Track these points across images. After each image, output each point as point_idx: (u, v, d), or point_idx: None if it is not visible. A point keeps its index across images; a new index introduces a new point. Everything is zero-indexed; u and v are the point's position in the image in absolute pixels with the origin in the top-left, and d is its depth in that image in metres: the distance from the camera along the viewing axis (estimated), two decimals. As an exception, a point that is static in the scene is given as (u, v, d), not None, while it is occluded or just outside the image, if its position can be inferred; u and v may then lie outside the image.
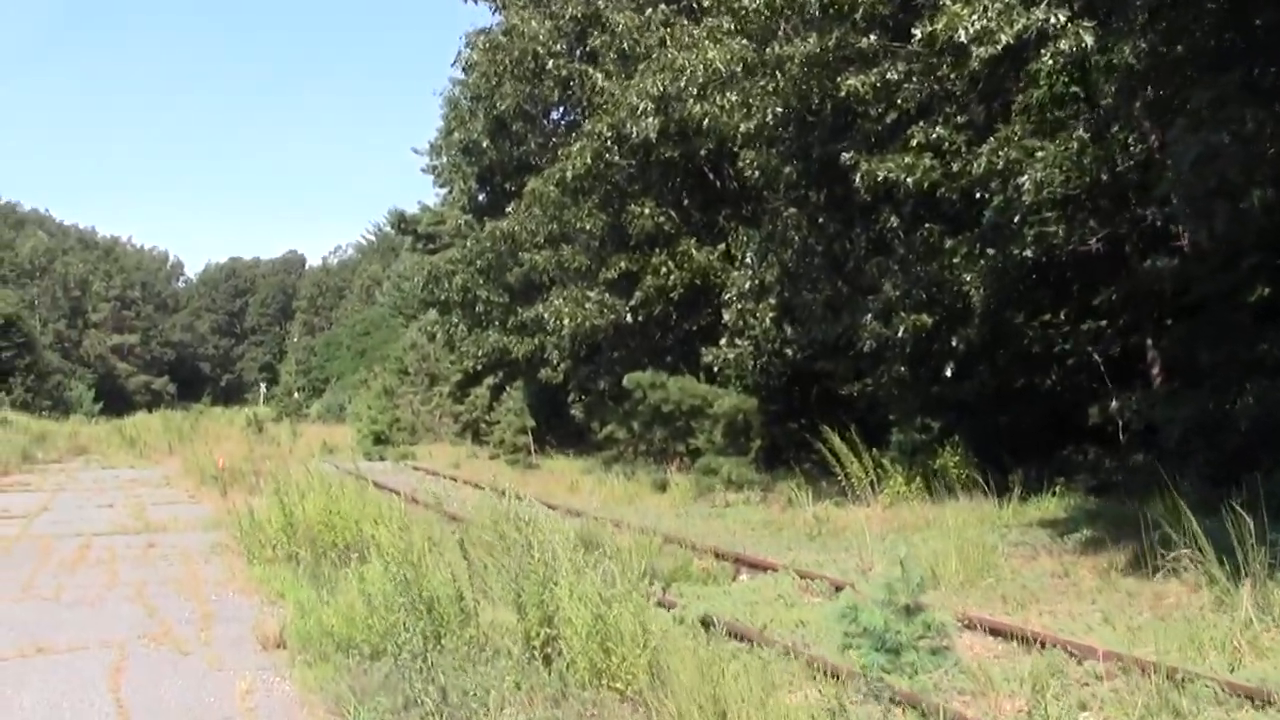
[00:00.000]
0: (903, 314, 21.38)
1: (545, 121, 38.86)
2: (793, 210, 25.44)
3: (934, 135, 19.50)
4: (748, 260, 26.47)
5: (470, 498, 26.93)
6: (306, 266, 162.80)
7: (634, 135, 29.14)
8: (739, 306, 26.75)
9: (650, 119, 28.87)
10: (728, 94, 22.93)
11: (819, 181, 25.18)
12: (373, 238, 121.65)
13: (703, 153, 30.03)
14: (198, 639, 11.35)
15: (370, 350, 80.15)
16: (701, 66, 23.29)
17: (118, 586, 14.70)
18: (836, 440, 22.59)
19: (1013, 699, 8.99)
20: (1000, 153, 17.83)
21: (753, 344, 27.28)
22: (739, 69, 22.49)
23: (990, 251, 20.14)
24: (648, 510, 24.30)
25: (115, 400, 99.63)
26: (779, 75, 21.47)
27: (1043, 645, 10.37)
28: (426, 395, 54.21)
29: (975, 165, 18.29)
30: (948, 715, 7.84)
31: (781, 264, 26.14)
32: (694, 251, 29.81)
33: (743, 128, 22.45)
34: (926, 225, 21.82)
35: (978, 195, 19.27)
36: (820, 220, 25.02)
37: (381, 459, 41.85)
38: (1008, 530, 17.45)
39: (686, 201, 31.77)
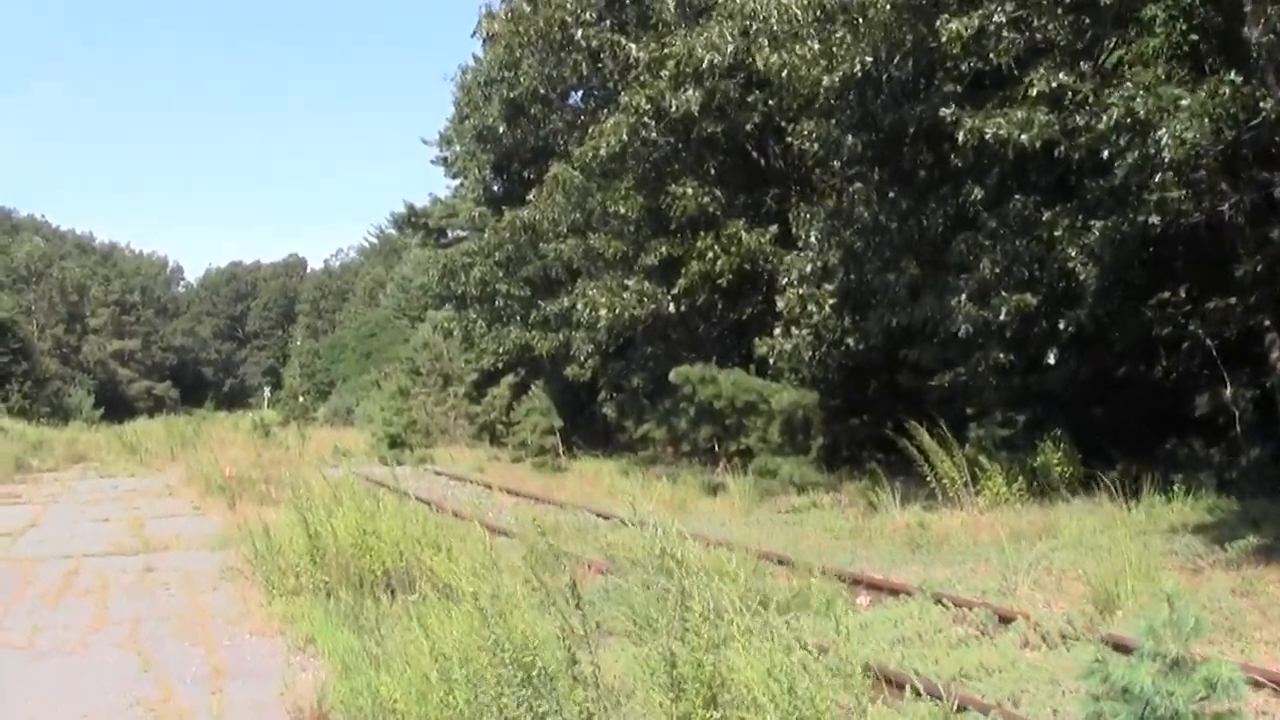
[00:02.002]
0: (1003, 294, 18.88)
1: (566, 103, 36.26)
2: (858, 185, 22.87)
3: (1054, 84, 16.86)
4: (812, 240, 23.77)
5: (506, 505, 24.52)
6: (308, 269, 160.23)
7: (673, 109, 26.61)
8: (799, 292, 24.13)
9: (692, 90, 26.35)
10: (808, 43, 20.14)
11: (885, 152, 22.73)
12: (375, 239, 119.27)
13: (748, 128, 27.45)
14: (208, 710, 8.71)
15: (376, 352, 77.80)
16: (776, 12, 20.53)
17: (107, 626, 12.08)
18: (925, 436, 20.06)
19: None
20: (1135, 101, 15.19)
21: (812, 333, 24.70)
22: (817, 14, 19.77)
23: (1095, 223, 17.61)
24: (707, 517, 21.89)
25: (116, 406, 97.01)
26: (861, 22, 18.82)
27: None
28: (440, 396, 51.57)
29: (1106, 118, 15.69)
30: None
31: (845, 245, 23.55)
32: (743, 234, 27.14)
33: (825, 81, 19.70)
34: (1017, 196, 19.29)
35: (1105, 154, 16.61)
36: (891, 195, 22.45)
37: (399, 463, 39.18)
38: (1145, 537, 14.88)
39: (729, 181, 29.09)
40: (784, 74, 20.54)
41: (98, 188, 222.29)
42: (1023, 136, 16.90)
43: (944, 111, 18.21)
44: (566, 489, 28.73)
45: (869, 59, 19.24)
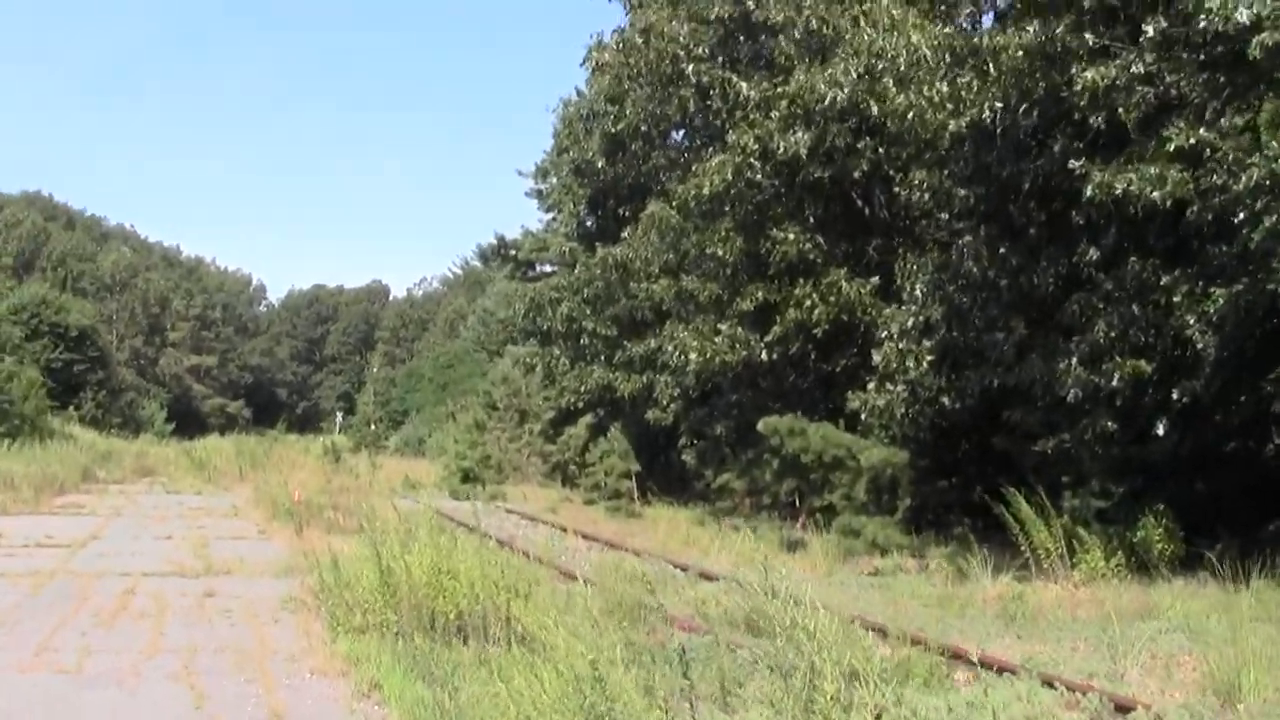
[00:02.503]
0: (1117, 359, 17.77)
1: (667, 140, 35.50)
2: (967, 239, 21.82)
3: (1193, 140, 15.77)
4: (917, 293, 22.70)
5: (580, 549, 23.59)
6: (390, 297, 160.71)
7: (781, 151, 25.73)
8: (899, 346, 23.08)
9: (801, 133, 25.47)
10: (937, 84, 19.12)
11: (996, 207, 21.72)
12: (459, 271, 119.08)
13: (856, 175, 26.47)
14: (261, 762, 7.79)
15: (453, 384, 77.21)
16: (904, 52, 19.54)
17: (160, 654, 11.20)
18: (1023, 504, 19.02)
19: None
20: (1278, 163, 14.10)
21: (908, 389, 23.64)
22: (945, 58, 18.77)
23: (1217, 290, 16.50)
24: (786, 575, 20.68)
25: (188, 422, 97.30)
26: (991, 68, 17.82)
27: None
28: (515, 432, 50.70)
29: (1245, 178, 14.60)
30: None
31: (948, 300, 22.50)
32: (844, 283, 26.09)
33: (951, 126, 18.68)
34: (1133, 258, 18.21)
35: (1239, 216, 15.51)
36: (1001, 250, 21.40)
37: (469, 499, 38.27)
38: (1259, 625, 13.69)
39: (831, 229, 28.10)
40: (909, 116, 19.45)
41: (189, 201, 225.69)
42: (1155, 193, 15.87)
43: (1072, 164, 17.18)
44: (641, 536, 27.75)
45: (999, 105, 18.19)
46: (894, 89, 20.15)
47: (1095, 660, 12.57)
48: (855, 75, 21.98)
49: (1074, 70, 16.52)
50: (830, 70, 23.53)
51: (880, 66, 20.55)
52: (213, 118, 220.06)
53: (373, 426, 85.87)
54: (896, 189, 26.42)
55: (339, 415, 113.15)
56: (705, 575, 19.70)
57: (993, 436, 24.37)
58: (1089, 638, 13.73)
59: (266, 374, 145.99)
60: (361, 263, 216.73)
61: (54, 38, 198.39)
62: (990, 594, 17.66)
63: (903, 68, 19.72)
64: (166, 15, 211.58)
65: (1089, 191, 16.73)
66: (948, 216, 24.96)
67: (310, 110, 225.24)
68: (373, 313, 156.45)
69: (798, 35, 26.16)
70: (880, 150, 26.18)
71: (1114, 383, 17.82)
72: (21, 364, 56.26)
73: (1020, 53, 17.14)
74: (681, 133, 36.02)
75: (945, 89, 18.87)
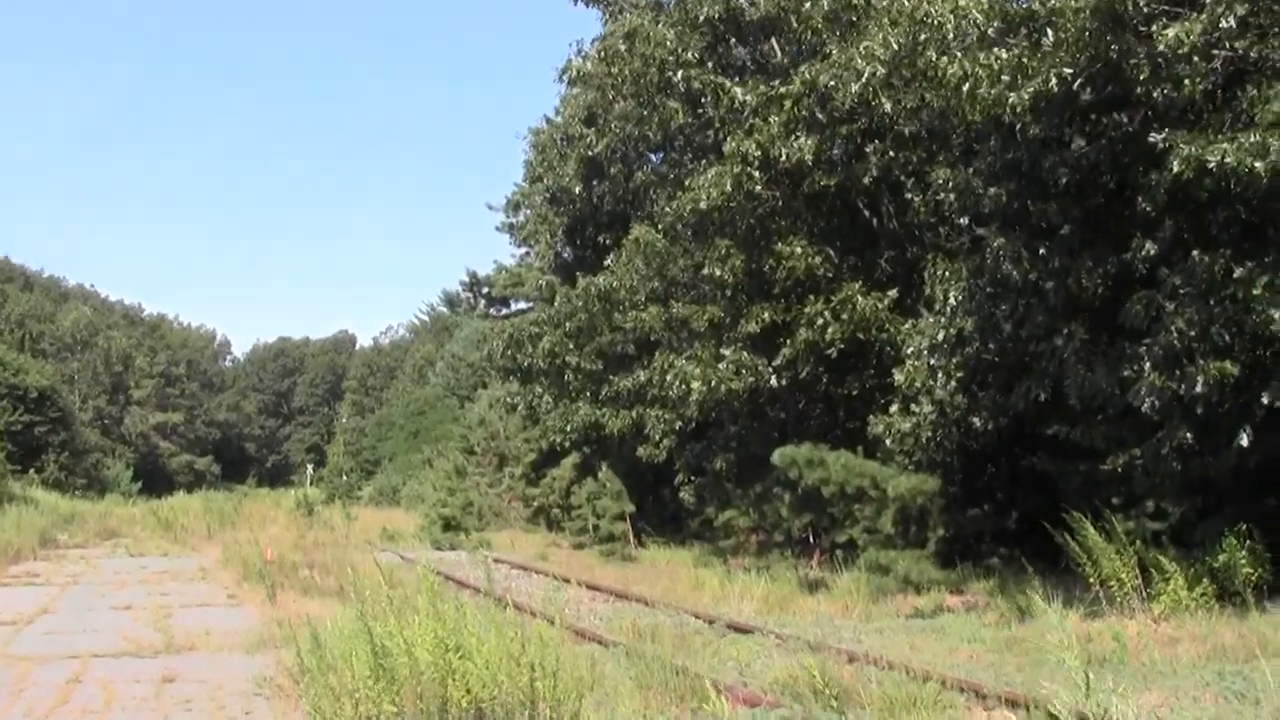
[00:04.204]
0: (1199, 362, 15.68)
1: (653, 158, 33.55)
2: (1000, 241, 19.75)
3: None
4: (951, 301, 20.58)
5: (583, 601, 21.47)
6: (357, 346, 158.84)
7: (783, 158, 23.74)
8: (929, 362, 21.04)
9: (804, 138, 23.50)
10: (996, 51, 16.89)
11: (1027, 204, 19.73)
12: (426, 317, 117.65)
13: (866, 180, 24.44)
14: None
15: (424, 430, 75.41)
16: (952, 18, 17.36)
17: (102, 769, 8.93)
18: (1089, 529, 16.93)
19: None
20: None
21: (936, 410, 21.61)
22: (995, 24, 16.63)
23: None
24: (818, 620, 18.82)
25: (156, 480, 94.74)
26: (1050, 34, 15.78)
27: None
28: (495, 477, 48.56)
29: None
30: None
31: (980, 309, 20.45)
32: (859, 298, 23.96)
33: (1012, 98, 16.44)
34: (1195, 251, 16.18)
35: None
36: (1041, 251, 19.35)
37: (452, 548, 36.03)
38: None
39: (838, 242, 26.05)
40: (963, 89, 17.17)
41: (148, 260, 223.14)
42: (1257, 164, 13.75)
43: (1154, 137, 15.09)
44: (644, 582, 25.59)
45: (1067, 71, 16.06)
46: (943, 60, 17.90)
47: (1232, 712, 10.56)
48: (896, 45, 19.83)
49: (1154, 29, 14.47)
50: (866, 43, 21.43)
51: (923, 37, 18.36)
52: (172, 173, 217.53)
53: (345, 477, 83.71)
54: (908, 195, 24.51)
55: (309, 467, 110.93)
56: (735, 627, 17.55)
57: (1025, 457, 22.47)
58: (1207, 683, 11.74)
59: (234, 429, 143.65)
60: (327, 313, 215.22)
61: (9, 104, 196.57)
62: (1062, 634, 15.57)
63: (950, 35, 17.56)
64: (126, 76, 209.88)
65: (1175, 166, 14.64)
66: (967, 221, 23.05)
67: (270, 163, 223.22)
68: (340, 363, 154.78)
69: (826, 6, 23.97)
70: (890, 154, 24.25)
71: (1197, 389, 15.72)
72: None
73: (1088, 11, 15.04)
74: (660, 155, 34.16)
75: (1004, 55, 16.61)
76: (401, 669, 9.25)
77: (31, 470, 64.65)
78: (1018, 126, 18.66)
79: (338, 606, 17.93)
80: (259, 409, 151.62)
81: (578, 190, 37.00)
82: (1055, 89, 16.08)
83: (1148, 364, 16.30)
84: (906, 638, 16.97)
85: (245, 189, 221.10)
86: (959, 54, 17.07)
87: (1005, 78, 16.41)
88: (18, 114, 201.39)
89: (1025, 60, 16.17)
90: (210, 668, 13.50)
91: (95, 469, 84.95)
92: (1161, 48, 14.27)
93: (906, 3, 18.74)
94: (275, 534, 34.68)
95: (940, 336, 20.90)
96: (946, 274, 21.00)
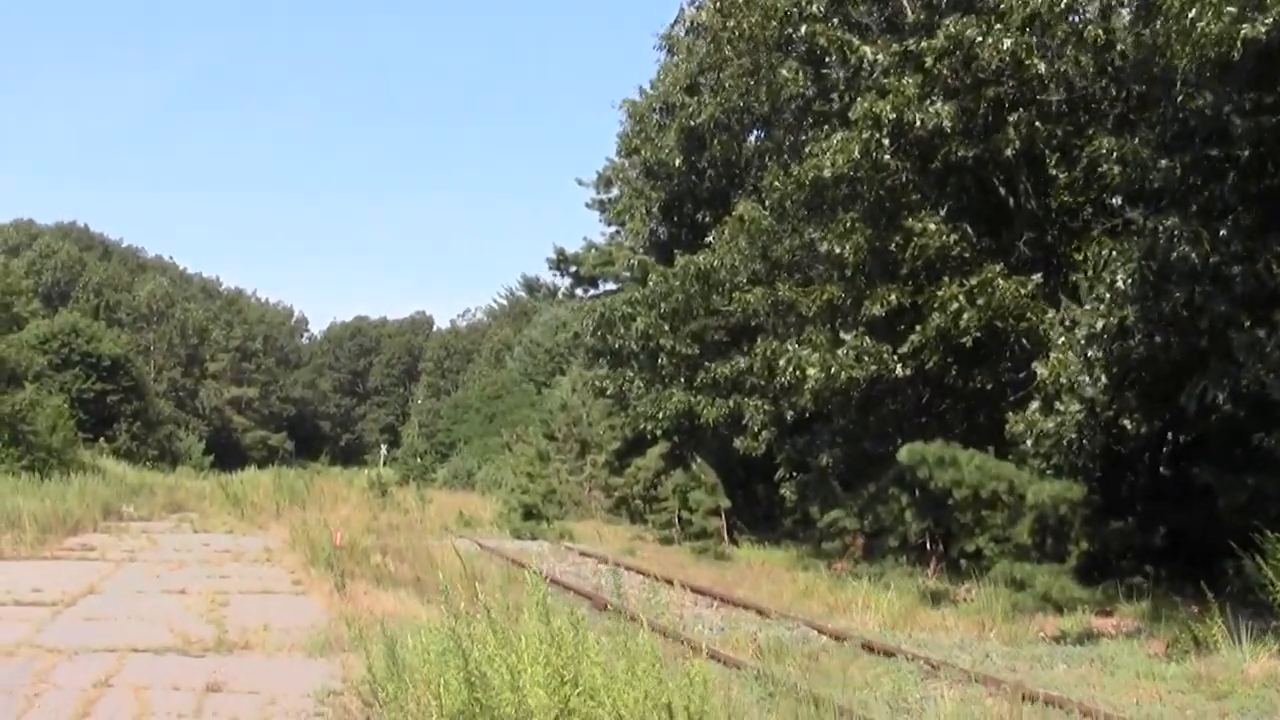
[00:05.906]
0: None
1: (763, 128, 31.36)
2: (1173, 220, 17.34)
3: None
4: (1118, 287, 18.09)
5: (686, 605, 19.32)
6: (434, 328, 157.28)
7: (918, 125, 21.43)
8: (1086, 354, 18.66)
9: (942, 104, 21.20)
10: None
11: (1202, 180, 17.39)
12: (504, 301, 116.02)
13: (1009, 153, 22.01)
14: None
15: (500, 415, 73.64)
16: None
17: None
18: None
19: None
20: None
21: (1086, 409, 19.25)
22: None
23: None
24: (957, 641, 16.58)
25: (229, 454, 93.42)
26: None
27: None
28: (576, 465, 46.45)
29: None
30: None
31: (1147, 296, 18.05)
32: (1000, 281, 21.48)
33: (1245, 30, 13.94)
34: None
35: None
36: (1222, 233, 16.97)
37: (533, 537, 33.96)
38: None
39: (972, 219, 23.60)
40: (1185, 19, 14.61)
41: (229, 234, 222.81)
42: None
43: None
44: (745, 584, 23.54)
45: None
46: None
47: None
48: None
49: None
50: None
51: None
52: (253, 149, 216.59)
53: (419, 459, 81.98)
54: (1052, 171, 22.12)
55: (383, 448, 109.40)
56: (870, 646, 15.28)
57: (1175, 465, 20.18)
58: None
59: (309, 406, 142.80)
60: (404, 294, 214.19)
61: (94, 79, 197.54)
62: (1254, 671, 13.47)
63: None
64: (210, 50, 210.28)
65: None
66: (1120, 201, 20.73)
67: (351, 142, 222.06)
68: (416, 344, 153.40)
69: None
70: (1036, 124, 21.84)
71: None
72: (49, 393, 52.32)
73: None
74: (764, 130, 32.00)
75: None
76: (505, 707, 7.03)
77: (102, 439, 63.54)
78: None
79: (415, 603, 15.89)
80: (334, 387, 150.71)
81: (677, 163, 34.99)
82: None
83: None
84: (1069, 668, 14.81)
85: (326, 167, 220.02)
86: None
87: (1231, 9, 13.85)
88: (104, 83, 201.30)
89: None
90: (265, 674, 11.38)
91: (168, 441, 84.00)
92: None
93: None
94: (347, 514, 32.80)
95: (1100, 325, 18.48)
96: (1114, 254, 18.52)
